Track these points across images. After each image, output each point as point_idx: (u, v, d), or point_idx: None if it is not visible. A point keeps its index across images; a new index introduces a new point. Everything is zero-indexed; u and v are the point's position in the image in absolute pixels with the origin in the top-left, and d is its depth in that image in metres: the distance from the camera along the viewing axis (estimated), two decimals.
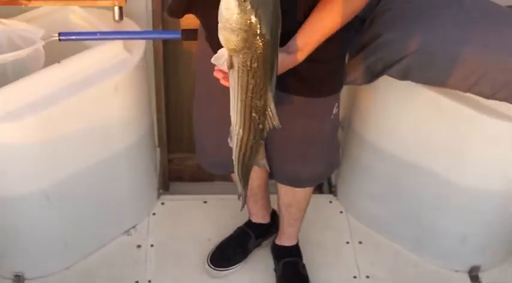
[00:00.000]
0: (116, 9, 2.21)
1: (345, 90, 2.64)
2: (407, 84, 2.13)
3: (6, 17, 2.23)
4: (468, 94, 2.04)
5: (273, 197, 2.35)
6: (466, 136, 2.15)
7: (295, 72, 1.60)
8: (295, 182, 2.13)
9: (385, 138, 2.42)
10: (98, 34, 2.16)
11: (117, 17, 2.23)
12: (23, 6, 2.18)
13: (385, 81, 2.14)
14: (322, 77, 1.73)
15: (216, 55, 1.32)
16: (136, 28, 2.31)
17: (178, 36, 2.16)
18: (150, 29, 2.45)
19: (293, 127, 1.85)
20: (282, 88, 1.67)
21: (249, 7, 1.16)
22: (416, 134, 2.31)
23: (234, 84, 1.32)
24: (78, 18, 2.29)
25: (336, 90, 1.84)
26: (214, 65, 1.72)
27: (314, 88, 1.73)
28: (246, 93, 1.30)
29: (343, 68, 1.83)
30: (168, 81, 2.71)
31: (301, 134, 1.90)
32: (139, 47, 2.27)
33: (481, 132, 2.12)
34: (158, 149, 2.85)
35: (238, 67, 1.26)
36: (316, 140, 1.94)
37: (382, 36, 2.06)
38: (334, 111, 1.88)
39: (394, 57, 2.02)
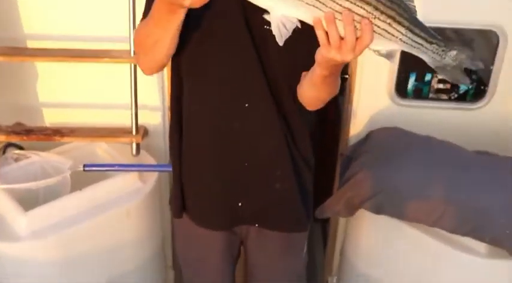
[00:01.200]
0: (134, 145, 2.59)
1: (341, 223, 2.91)
2: (387, 218, 2.36)
3: (43, 149, 2.63)
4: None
5: None
6: (436, 267, 2.33)
7: (272, 208, 1.84)
8: None
9: (373, 266, 2.61)
10: (116, 166, 2.51)
11: (134, 152, 2.61)
12: (56, 141, 2.59)
13: (370, 216, 2.37)
14: (296, 214, 1.89)
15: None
16: (152, 161, 2.67)
17: None
18: (167, 162, 2.78)
19: (272, 267, 2.02)
20: (261, 224, 1.88)
21: None
22: (399, 264, 2.49)
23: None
24: (103, 152, 2.66)
25: (307, 227, 1.97)
26: (201, 245, 1.92)
27: (290, 222, 1.89)
28: None
29: (311, 207, 1.99)
30: None
31: (281, 273, 2.03)
32: (153, 177, 2.60)
33: (447, 264, 2.30)
34: (172, 271, 3.09)
35: None
36: (291, 279, 2.07)
37: (359, 173, 2.33)
38: (305, 249, 2.04)
39: (369, 193, 2.28)
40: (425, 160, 2.33)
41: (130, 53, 2.44)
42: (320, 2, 1.17)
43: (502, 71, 2.61)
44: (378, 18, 1.18)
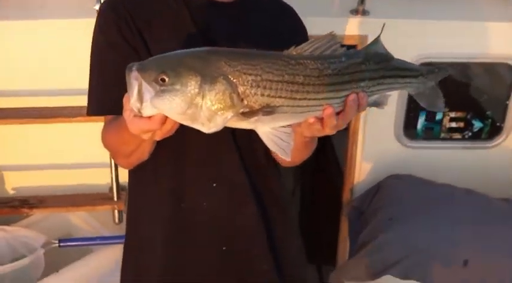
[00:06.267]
0: (116, 212, 2.26)
1: None
2: None
3: (8, 221, 2.27)
4: None
5: None
6: None
7: None
8: None
9: None
10: (98, 239, 2.17)
11: (117, 220, 2.26)
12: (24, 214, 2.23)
13: (394, 280, 2.09)
14: None
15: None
16: None
17: None
18: None
19: None
20: None
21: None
22: None
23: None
24: (80, 221, 2.32)
25: None
26: None
27: None
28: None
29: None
30: None
31: None
32: None
33: None
34: None
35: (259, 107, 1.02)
36: None
37: (380, 235, 2.06)
38: None
39: (394, 257, 2.01)
40: (451, 217, 2.08)
41: None
42: (314, 106, 1.06)
43: None
44: (372, 86, 1.13)
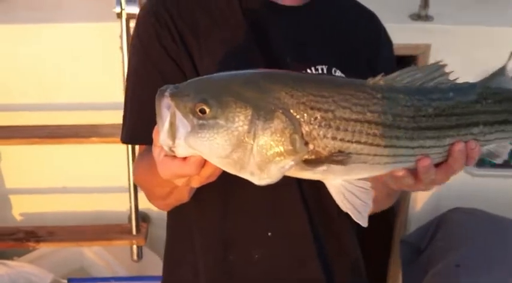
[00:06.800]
0: (134, 248, 1.96)
1: None
2: None
3: (12, 255, 2.00)
4: None
5: None
6: None
7: None
8: None
9: None
10: (113, 280, 1.89)
11: (135, 257, 1.97)
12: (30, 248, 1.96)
13: None
14: None
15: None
16: (159, 263, 2.03)
17: None
18: None
19: None
20: None
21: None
22: None
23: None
24: (94, 255, 2.03)
25: None
26: None
27: None
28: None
29: None
30: None
31: None
32: None
33: None
34: None
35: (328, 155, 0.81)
36: None
37: None
38: None
39: None
40: None
41: None
42: (406, 155, 0.82)
43: None
44: (489, 133, 0.88)
